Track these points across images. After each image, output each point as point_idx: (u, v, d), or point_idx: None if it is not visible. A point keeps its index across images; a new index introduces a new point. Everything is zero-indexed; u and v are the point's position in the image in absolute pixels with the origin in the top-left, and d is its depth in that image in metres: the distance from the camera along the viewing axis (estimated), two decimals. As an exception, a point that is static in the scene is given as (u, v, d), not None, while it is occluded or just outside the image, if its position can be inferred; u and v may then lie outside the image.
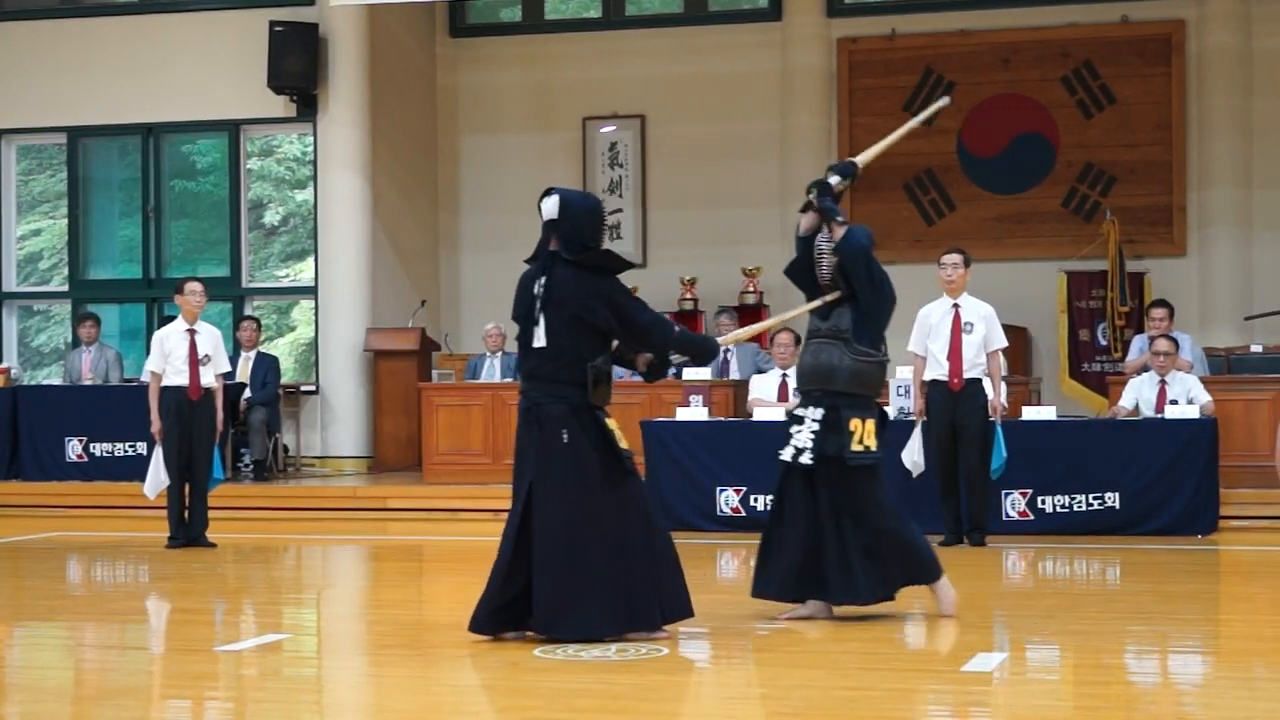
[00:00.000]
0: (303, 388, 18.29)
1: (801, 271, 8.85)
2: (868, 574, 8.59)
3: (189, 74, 18.66)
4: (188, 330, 12.74)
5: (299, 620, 9.78)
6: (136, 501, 13.91)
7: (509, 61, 19.81)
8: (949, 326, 12.22)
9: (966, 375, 12.17)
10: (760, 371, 14.83)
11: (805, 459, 8.57)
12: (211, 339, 12.84)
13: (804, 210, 8.85)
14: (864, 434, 8.55)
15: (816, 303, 8.79)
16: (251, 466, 16.85)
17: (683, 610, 8.05)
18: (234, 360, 15.77)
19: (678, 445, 13.55)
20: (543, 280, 7.94)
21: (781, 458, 8.68)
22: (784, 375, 14.06)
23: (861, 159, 9.02)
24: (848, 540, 8.57)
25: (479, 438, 15.57)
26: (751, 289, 18.54)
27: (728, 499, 13.30)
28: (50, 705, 7.14)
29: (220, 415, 12.87)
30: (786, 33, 18.97)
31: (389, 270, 18.37)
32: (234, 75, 18.46)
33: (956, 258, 12.35)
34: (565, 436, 7.82)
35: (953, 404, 12.18)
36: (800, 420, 8.66)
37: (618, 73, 19.59)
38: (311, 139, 18.51)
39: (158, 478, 12.67)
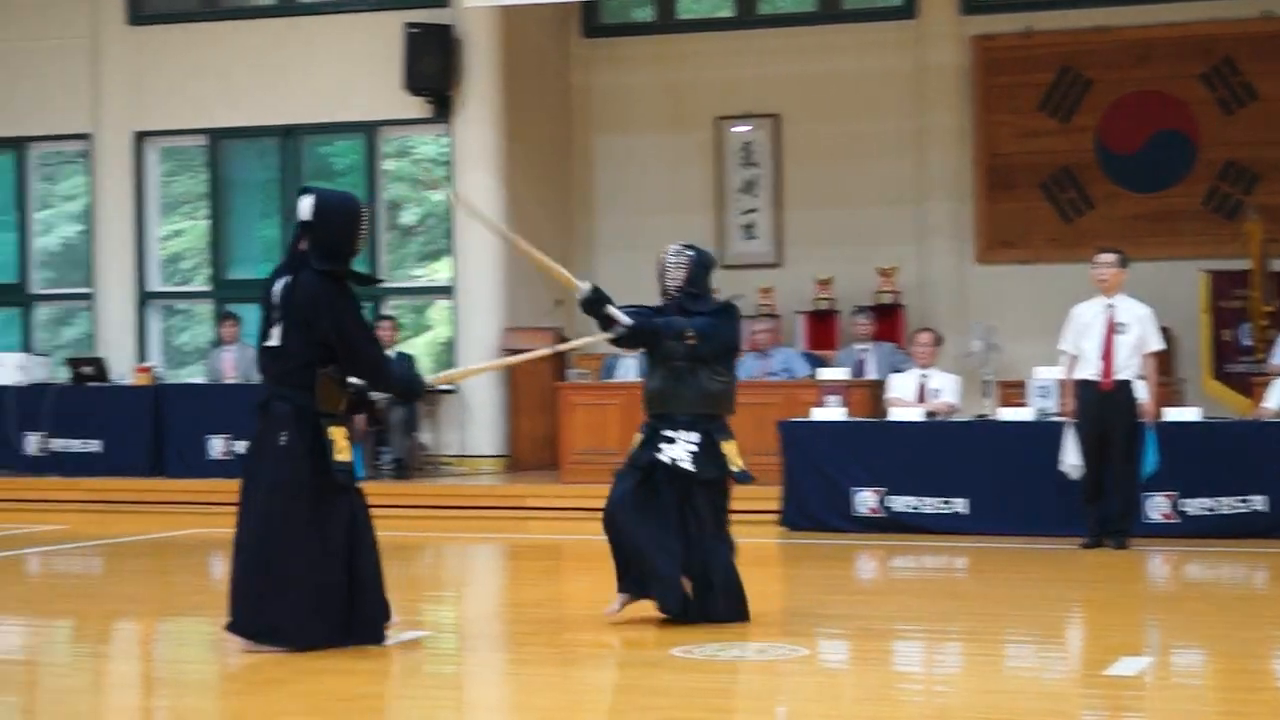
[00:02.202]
0: (440, 387, 18.37)
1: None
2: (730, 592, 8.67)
3: (326, 76, 18.86)
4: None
5: (439, 617, 9.84)
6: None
7: (642, 61, 19.82)
8: (1102, 326, 12.02)
9: (1118, 376, 11.96)
10: (897, 371, 14.72)
11: (688, 465, 8.57)
12: None
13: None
14: (734, 455, 8.74)
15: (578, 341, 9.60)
16: (393, 464, 17.02)
17: (372, 636, 7.89)
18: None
19: (814, 445, 13.49)
20: (286, 280, 7.94)
21: (660, 458, 8.60)
22: (922, 375, 13.96)
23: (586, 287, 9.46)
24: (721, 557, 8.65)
25: (615, 436, 15.49)
26: (888, 288, 18.41)
27: (864, 499, 13.22)
28: (195, 700, 7.26)
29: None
30: (920, 30, 18.83)
31: (525, 270, 18.39)
32: (370, 77, 18.63)
33: (1110, 257, 12.17)
34: (284, 438, 7.83)
35: (1102, 405, 12.00)
36: (670, 440, 8.63)
37: (751, 72, 19.54)
38: (447, 140, 18.65)
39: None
